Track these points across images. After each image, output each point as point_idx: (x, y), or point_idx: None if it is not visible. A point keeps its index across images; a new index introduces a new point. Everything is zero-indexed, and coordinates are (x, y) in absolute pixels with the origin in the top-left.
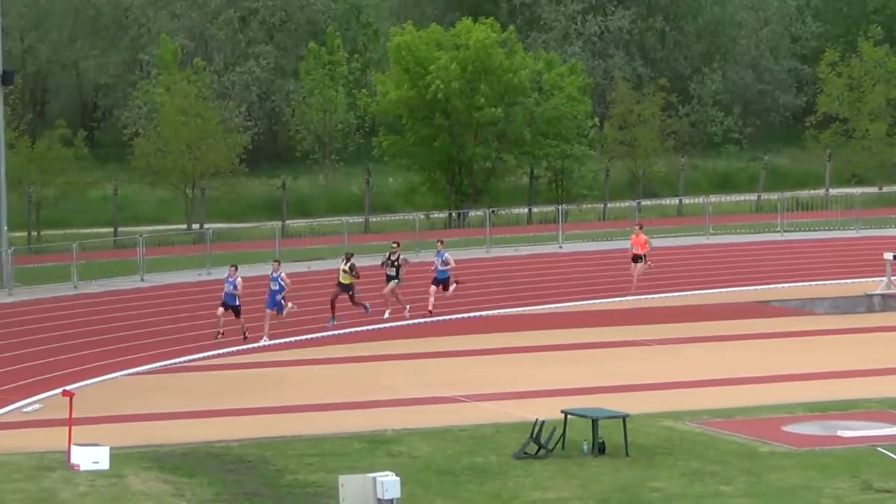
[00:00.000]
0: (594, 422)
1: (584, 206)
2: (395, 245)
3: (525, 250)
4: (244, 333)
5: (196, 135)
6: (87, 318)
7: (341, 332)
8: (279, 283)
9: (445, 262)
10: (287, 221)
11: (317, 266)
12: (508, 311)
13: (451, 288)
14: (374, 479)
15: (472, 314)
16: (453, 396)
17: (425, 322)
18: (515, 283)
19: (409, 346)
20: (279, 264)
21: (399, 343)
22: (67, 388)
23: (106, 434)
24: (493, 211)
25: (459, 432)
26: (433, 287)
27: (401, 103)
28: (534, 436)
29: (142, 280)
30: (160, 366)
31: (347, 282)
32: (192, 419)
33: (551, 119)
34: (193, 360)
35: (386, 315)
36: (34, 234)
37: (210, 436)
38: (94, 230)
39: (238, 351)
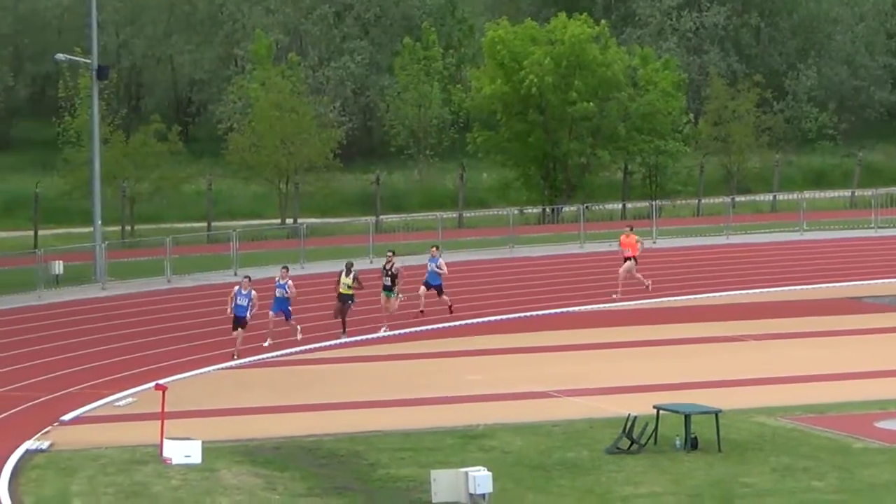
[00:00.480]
0: (686, 417)
1: (679, 201)
2: (389, 254)
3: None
4: (235, 354)
5: (290, 130)
6: (181, 313)
7: (432, 327)
8: (286, 290)
9: (439, 267)
10: (381, 216)
11: (410, 261)
12: (601, 306)
13: (442, 298)
14: (467, 473)
15: (564, 309)
16: (545, 392)
17: (516, 318)
18: (609, 279)
19: (501, 341)
20: (287, 271)
21: (491, 338)
22: (160, 382)
23: (198, 428)
24: (586, 206)
25: (552, 427)
26: (423, 288)
27: (495, 98)
28: (626, 431)
29: (235, 274)
30: (253, 360)
31: (348, 292)
32: (284, 413)
33: (646, 114)
34: (286, 354)
35: (382, 331)
36: (128, 228)
37: (302, 430)
38: (188, 225)
39: (329, 346)
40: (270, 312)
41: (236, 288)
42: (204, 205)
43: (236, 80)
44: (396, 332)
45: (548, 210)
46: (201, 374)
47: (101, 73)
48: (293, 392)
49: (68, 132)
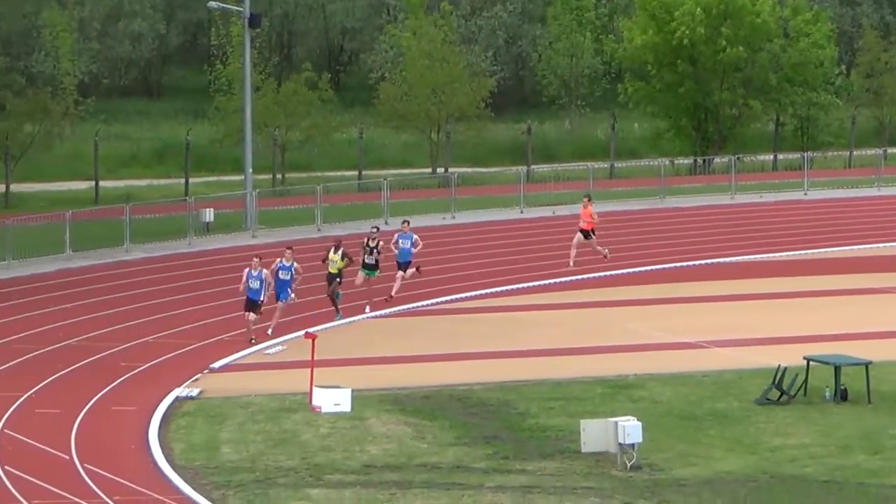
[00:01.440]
0: (836, 369)
1: (830, 153)
2: (374, 230)
3: (770, 197)
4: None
5: (442, 79)
6: None
7: (583, 276)
8: (291, 273)
9: (415, 244)
10: (532, 166)
11: (561, 211)
12: (752, 257)
13: (409, 272)
14: (616, 423)
15: (715, 260)
16: (696, 342)
17: (667, 268)
18: (760, 230)
19: (652, 291)
20: (292, 252)
21: (642, 289)
22: (310, 330)
23: (348, 376)
24: (738, 158)
25: (702, 378)
26: (400, 273)
27: (647, 49)
28: (776, 382)
29: (386, 224)
30: (403, 309)
31: (336, 271)
32: (434, 362)
33: (797, 65)
34: (436, 303)
35: (367, 311)
36: (279, 176)
37: (452, 379)
38: (339, 173)
39: (480, 295)
40: (279, 303)
41: (247, 270)
42: (354, 154)
43: (388, 29)
44: (552, 280)
45: (699, 161)
46: (351, 322)
47: (254, 21)
48: (444, 340)
49: (220, 80)
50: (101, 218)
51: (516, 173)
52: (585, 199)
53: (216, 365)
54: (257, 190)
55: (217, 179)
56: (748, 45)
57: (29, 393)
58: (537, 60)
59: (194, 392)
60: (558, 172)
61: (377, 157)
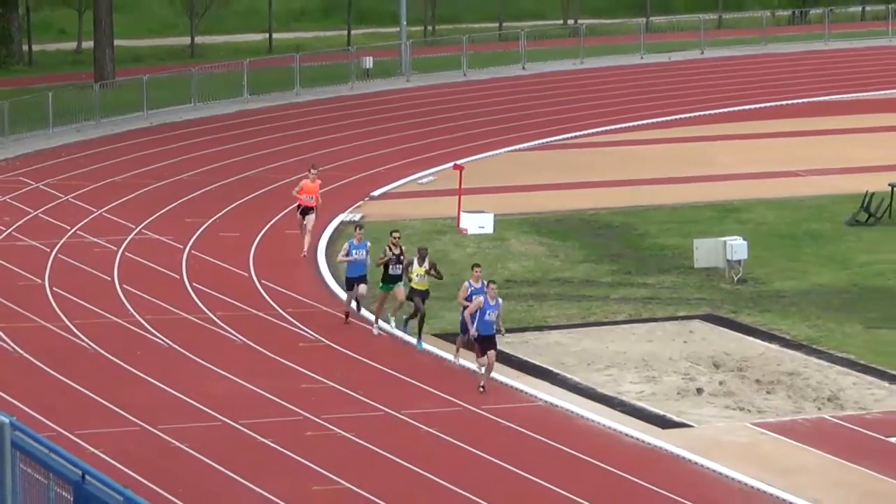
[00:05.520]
0: None
1: None
2: (395, 235)
3: (859, 44)
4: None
5: None
6: (475, 102)
7: (694, 114)
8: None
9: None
10: (650, 18)
11: (675, 57)
12: (844, 96)
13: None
14: (725, 242)
15: (811, 99)
16: (794, 171)
17: (770, 106)
18: (850, 73)
19: (752, 127)
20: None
21: (744, 125)
22: (458, 162)
23: (491, 203)
24: (830, 10)
25: (799, 202)
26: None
27: None
28: (864, 206)
29: (523, 69)
30: (539, 143)
31: (423, 287)
32: (567, 190)
33: None
34: (566, 138)
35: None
36: (429, 28)
37: (581, 204)
38: (482, 25)
39: (604, 131)
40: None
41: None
42: (496, 7)
43: None
44: (667, 118)
45: (797, 12)
46: (493, 155)
47: None
48: (575, 171)
49: None
50: (274, 66)
51: (637, 24)
52: (312, 172)
53: (375, 193)
54: (411, 40)
55: (375, 31)
56: None
57: (213, 219)
58: None
59: (357, 217)
60: (673, 23)
61: (515, 10)
